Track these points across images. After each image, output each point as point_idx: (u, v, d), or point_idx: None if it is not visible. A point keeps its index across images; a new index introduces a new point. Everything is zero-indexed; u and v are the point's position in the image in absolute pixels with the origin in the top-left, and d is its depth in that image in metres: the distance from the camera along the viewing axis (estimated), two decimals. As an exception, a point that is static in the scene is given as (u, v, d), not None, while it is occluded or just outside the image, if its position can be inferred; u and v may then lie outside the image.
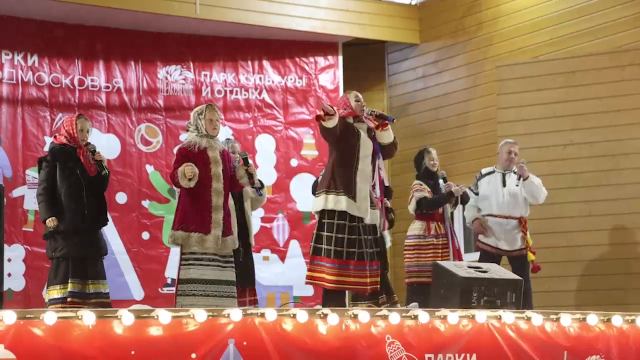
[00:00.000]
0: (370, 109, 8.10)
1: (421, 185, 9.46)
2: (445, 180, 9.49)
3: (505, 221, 9.55)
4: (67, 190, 7.96)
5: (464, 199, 9.54)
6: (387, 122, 8.03)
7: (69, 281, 7.83)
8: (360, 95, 8.08)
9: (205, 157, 7.79)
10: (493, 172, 9.73)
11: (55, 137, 8.28)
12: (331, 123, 7.69)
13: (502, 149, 9.79)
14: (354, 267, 7.74)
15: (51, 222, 7.94)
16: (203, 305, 7.44)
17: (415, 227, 9.48)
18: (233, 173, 8.00)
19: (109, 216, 8.36)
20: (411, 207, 9.49)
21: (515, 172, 9.65)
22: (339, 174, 7.85)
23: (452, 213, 9.60)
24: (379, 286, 8.03)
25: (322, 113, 7.66)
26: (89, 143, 8.17)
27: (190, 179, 7.62)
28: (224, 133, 11.83)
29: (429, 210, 9.37)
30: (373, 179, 7.99)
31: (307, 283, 7.98)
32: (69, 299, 7.77)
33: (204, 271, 7.68)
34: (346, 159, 7.87)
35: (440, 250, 9.33)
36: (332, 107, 7.75)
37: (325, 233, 7.79)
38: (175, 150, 8.21)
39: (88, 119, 8.27)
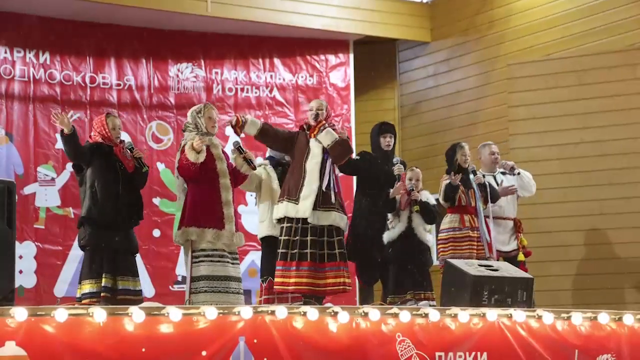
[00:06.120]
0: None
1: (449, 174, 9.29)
2: (475, 174, 9.30)
3: (504, 222, 9.42)
4: (104, 186, 7.84)
5: (494, 197, 9.37)
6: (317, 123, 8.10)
7: (103, 276, 7.74)
8: (313, 105, 8.25)
9: (209, 154, 7.80)
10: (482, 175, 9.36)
11: (90, 136, 8.18)
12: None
13: (483, 151, 9.65)
14: (296, 268, 7.84)
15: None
16: (215, 302, 7.45)
17: (449, 220, 9.23)
18: (233, 168, 8.01)
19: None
20: (441, 197, 9.22)
21: (502, 173, 9.53)
22: (288, 181, 8.05)
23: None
24: (345, 287, 8.00)
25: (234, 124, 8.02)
26: (123, 140, 8.13)
27: (199, 152, 7.62)
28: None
29: (448, 195, 9.09)
30: (325, 180, 8.00)
31: (276, 291, 8.07)
32: (102, 294, 7.69)
33: (214, 267, 7.68)
34: (296, 164, 8.04)
35: (475, 243, 9.10)
36: (237, 116, 8.11)
37: (280, 237, 7.96)
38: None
39: (117, 116, 8.25)
